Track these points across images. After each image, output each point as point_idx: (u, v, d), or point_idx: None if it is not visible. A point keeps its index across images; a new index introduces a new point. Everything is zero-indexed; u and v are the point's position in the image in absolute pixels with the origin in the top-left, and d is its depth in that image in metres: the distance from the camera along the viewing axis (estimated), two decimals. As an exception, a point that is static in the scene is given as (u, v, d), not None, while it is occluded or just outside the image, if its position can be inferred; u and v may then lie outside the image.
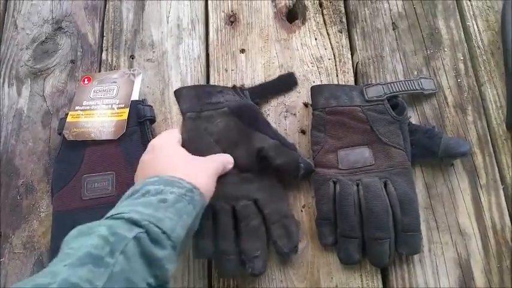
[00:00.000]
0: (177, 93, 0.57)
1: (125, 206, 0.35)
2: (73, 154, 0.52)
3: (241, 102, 0.53)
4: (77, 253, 0.29)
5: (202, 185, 0.40)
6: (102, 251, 0.29)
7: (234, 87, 0.55)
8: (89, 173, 0.50)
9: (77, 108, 0.54)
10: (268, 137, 0.50)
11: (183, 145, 0.49)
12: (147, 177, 0.39)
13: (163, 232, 0.33)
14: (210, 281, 0.49)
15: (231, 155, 0.50)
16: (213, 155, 0.49)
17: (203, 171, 0.43)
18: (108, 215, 0.35)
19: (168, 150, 0.45)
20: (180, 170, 0.41)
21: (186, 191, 0.38)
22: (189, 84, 0.58)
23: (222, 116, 0.52)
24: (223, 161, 0.48)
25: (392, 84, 0.52)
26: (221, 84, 0.57)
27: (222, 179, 0.47)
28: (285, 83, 0.57)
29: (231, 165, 0.48)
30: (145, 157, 0.45)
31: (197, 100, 0.54)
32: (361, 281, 0.48)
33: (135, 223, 0.33)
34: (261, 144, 0.49)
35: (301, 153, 0.51)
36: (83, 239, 0.31)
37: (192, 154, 0.48)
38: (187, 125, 0.53)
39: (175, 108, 0.57)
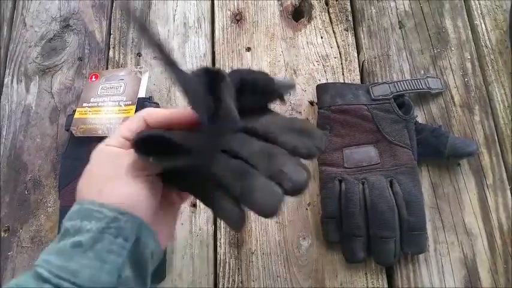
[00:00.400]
0: None
1: (43, 253, 0.28)
2: (80, 150, 0.52)
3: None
4: None
5: (128, 199, 0.29)
6: None
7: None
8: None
9: (84, 104, 0.54)
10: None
11: None
12: (76, 201, 0.31)
13: (80, 287, 0.26)
14: (215, 278, 0.49)
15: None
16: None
17: (120, 178, 0.30)
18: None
19: (94, 157, 0.32)
20: (88, 187, 0.30)
21: (108, 222, 0.28)
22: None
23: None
24: (160, 113, 0.32)
25: (398, 83, 0.52)
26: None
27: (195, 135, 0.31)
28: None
29: (188, 114, 0.31)
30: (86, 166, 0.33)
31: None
32: (366, 279, 0.48)
33: (45, 280, 0.26)
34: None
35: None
36: None
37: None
38: None
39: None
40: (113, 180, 0.30)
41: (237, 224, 0.31)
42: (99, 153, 0.32)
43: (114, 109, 0.53)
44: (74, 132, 0.52)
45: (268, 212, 0.28)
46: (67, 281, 0.26)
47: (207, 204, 0.34)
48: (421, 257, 0.48)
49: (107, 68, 0.60)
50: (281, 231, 0.50)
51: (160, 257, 0.33)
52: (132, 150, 0.30)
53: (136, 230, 0.29)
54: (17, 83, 0.60)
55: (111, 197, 0.29)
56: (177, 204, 0.36)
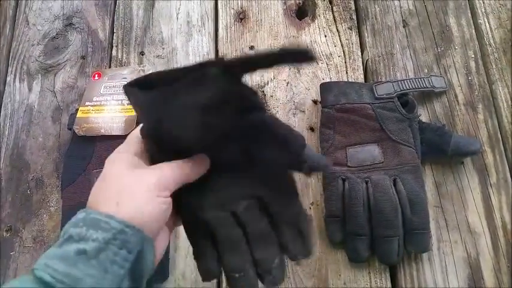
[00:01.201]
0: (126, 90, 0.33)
1: (43, 257, 0.29)
2: (83, 149, 0.52)
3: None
4: None
5: (132, 215, 0.30)
6: None
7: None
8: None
9: (87, 103, 0.54)
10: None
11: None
12: (84, 209, 0.31)
13: None
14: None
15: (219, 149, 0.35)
16: (162, 164, 0.33)
17: (131, 194, 0.31)
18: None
19: (110, 165, 0.33)
20: (104, 199, 0.31)
21: (115, 234, 0.28)
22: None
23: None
24: (182, 166, 0.33)
25: (402, 81, 0.52)
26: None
27: (209, 179, 0.35)
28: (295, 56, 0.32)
29: (205, 167, 0.34)
30: (103, 172, 0.34)
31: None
32: (370, 278, 0.48)
33: (46, 284, 0.27)
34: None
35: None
36: None
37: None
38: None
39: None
40: (133, 194, 0.30)
41: (206, 276, 0.35)
42: (118, 162, 0.33)
43: (117, 108, 0.53)
44: (76, 131, 0.52)
45: None
46: (69, 286, 0.26)
47: (190, 241, 0.36)
48: (425, 256, 0.48)
49: (109, 67, 0.60)
50: (284, 230, 0.50)
51: (152, 272, 0.33)
52: (156, 171, 0.32)
53: (140, 244, 0.30)
54: (20, 81, 0.60)
55: (129, 212, 0.29)
56: (172, 226, 0.36)
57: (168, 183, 0.32)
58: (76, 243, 0.28)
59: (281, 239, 0.36)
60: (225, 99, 0.30)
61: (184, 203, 0.35)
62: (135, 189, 0.31)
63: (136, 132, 0.35)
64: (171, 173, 0.32)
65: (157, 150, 0.34)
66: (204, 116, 0.30)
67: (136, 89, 0.31)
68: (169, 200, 0.32)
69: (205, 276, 0.36)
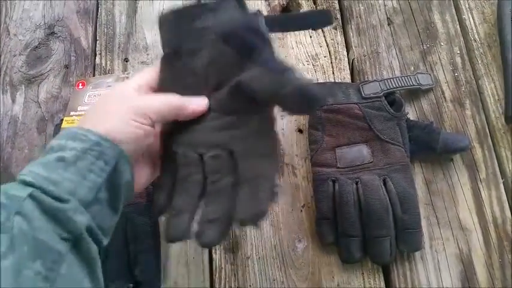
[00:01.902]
0: (161, 22, 0.40)
1: (27, 166, 0.31)
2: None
3: (237, 24, 0.37)
4: None
5: (110, 131, 0.32)
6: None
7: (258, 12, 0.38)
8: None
9: (71, 113, 0.54)
10: (257, 66, 0.35)
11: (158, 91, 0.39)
12: None
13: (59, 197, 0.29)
14: (211, 284, 0.49)
15: (217, 96, 0.36)
16: (154, 95, 0.37)
17: (115, 112, 0.34)
18: None
19: (107, 96, 0.37)
20: (91, 117, 0.34)
21: (92, 145, 0.31)
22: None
23: (207, 46, 0.37)
24: (169, 101, 0.35)
25: (389, 80, 0.52)
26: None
27: (197, 122, 0.36)
28: (319, 19, 0.41)
29: (196, 107, 0.36)
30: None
31: (177, 28, 0.38)
32: (363, 279, 0.48)
33: (28, 184, 0.29)
34: (245, 76, 0.35)
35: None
36: None
37: None
38: (161, 66, 0.39)
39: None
40: (112, 115, 0.34)
41: (156, 210, 0.36)
42: (111, 90, 0.38)
43: (103, 117, 0.53)
44: (62, 142, 0.51)
45: (171, 238, 0.34)
46: (49, 188, 0.29)
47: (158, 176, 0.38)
48: (417, 254, 0.48)
49: (94, 75, 0.59)
50: (276, 234, 0.50)
51: (131, 195, 0.35)
52: (143, 98, 0.35)
53: (116, 158, 0.32)
54: (3, 93, 0.59)
55: (105, 128, 0.32)
56: (155, 167, 0.38)
57: (148, 111, 0.34)
58: (56, 153, 0.31)
59: (235, 198, 0.33)
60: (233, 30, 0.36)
61: (165, 137, 0.37)
62: (115, 112, 0.34)
63: (152, 66, 0.39)
64: (156, 103, 0.35)
65: (170, 77, 0.38)
66: (217, 41, 0.35)
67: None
68: (149, 128, 0.34)
69: (155, 209, 0.37)
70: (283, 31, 0.44)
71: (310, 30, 0.59)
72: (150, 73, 0.38)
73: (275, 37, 0.59)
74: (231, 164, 0.34)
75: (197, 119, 0.36)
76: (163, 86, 0.38)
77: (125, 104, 0.34)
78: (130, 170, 0.33)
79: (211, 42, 0.37)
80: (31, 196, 0.28)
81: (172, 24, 0.39)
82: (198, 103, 0.36)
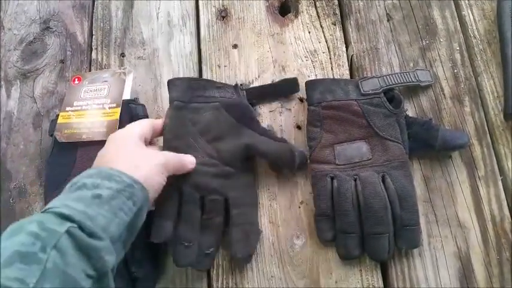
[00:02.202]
0: (170, 83, 0.51)
1: (57, 200, 0.33)
2: (65, 156, 0.51)
3: (235, 100, 0.51)
4: (4, 253, 0.27)
5: (145, 178, 0.37)
6: (33, 247, 0.28)
7: (236, 86, 0.53)
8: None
9: (67, 109, 0.53)
10: (258, 134, 0.49)
11: (163, 134, 0.48)
12: (93, 166, 0.38)
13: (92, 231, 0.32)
14: (209, 281, 0.49)
15: (215, 147, 0.48)
16: (168, 152, 0.45)
17: (147, 163, 0.39)
18: (42, 210, 0.33)
19: (122, 141, 0.42)
20: (123, 162, 0.38)
21: (125, 186, 0.35)
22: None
23: (211, 109, 0.50)
24: (180, 159, 0.44)
25: (388, 76, 0.51)
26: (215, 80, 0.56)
27: (199, 167, 0.46)
28: (287, 88, 0.55)
29: (191, 166, 0.46)
30: (101, 151, 0.42)
31: (189, 91, 0.51)
32: (361, 276, 0.47)
33: (66, 218, 0.31)
34: (250, 140, 0.48)
35: (293, 145, 0.51)
36: (12, 238, 0.29)
37: (171, 143, 0.47)
38: (170, 113, 0.49)
39: (168, 106, 0.56)
40: (148, 162, 0.39)
41: (157, 235, 0.44)
42: (129, 138, 0.42)
43: (99, 112, 0.52)
44: (57, 137, 0.51)
45: (182, 265, 0.45)
46: (84, 221, 0.31)
47: (156, 200, 0.43)
48: (415, 251, 0.48)
49: (90, 70, 0.59)
50: (274, 231, 0.50)
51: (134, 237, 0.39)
52: (164, 154, 0.43)
53: (143, 201, 0.36)
54: (-3, 88, 0.58)
55: (143, 175, 0.37)
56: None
57: (169, 167, 0.42)
58: (91, 190, 0.33)
59: (230, 238, 0.46)
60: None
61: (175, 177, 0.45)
62: (150, 162, 0.39)
63: (149, 120, 0.48)
64: (173, 161, 0.43)
65: (176, 124, 0.49)
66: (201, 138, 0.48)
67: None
68: (165, 179, 0.41)
69: (157, 233, 0.44)
70: (258, 103, 0.54)
71: (309, 26, 0.59)
72: (147, 126, 0.45)
73: (274, 33, 0.59)
74: (223, 207, 0.46)
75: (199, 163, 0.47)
76: (170, 130, 0.48)
77: (156, 157, 0.41)
78: (144, 217, 0.38)
79: (215, 107, 0.50)
80: (68, 232, 0.30)
81: (184, 86, 0.50)
82: (191, 161, 0.46)
